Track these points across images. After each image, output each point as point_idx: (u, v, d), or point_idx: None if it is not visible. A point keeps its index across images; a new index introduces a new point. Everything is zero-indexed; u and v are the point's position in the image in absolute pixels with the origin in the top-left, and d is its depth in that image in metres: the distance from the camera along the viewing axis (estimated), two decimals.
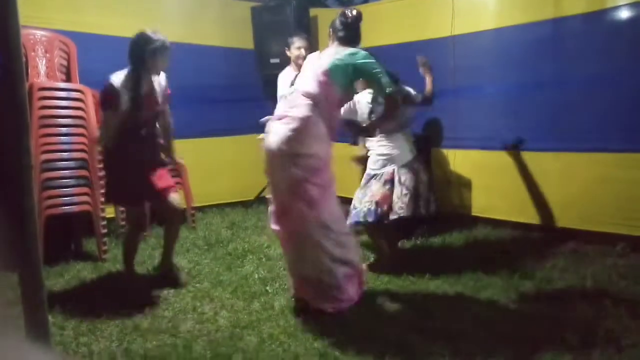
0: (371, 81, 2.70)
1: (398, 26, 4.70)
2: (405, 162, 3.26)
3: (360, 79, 2.81)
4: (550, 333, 2.33)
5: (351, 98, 2.64)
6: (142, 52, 2.82)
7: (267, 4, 5.07)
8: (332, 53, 2.59)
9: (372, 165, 3.33)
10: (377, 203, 3.19)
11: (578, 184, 3.70)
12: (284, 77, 4.04)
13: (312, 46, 4.03)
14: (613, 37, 3.48)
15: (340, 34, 2.66)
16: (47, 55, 3.74)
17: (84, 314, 2.61)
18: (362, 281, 2.73)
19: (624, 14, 3.45)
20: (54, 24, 3.94)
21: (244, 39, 5.13)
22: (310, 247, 2.50)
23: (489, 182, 4.21)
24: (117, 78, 2.83)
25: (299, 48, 3.93)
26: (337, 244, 2.53)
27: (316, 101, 2.49)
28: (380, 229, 3.28)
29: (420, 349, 2.21)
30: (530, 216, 3.97)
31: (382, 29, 4.76)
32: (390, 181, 3.23)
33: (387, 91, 2.53)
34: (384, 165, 3.27)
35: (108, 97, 2.83)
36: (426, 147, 4.36)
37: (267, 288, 2.98)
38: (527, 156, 3.96)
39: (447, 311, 2.62)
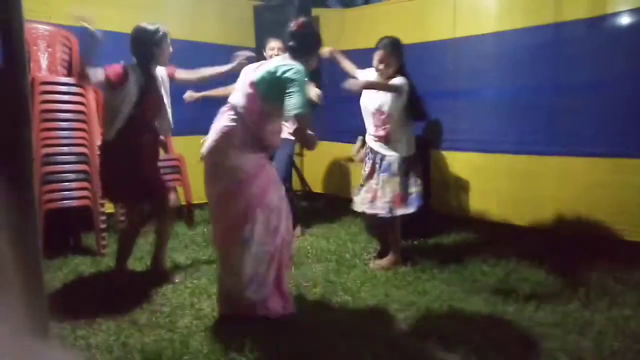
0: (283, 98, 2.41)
1: (399, 28, 4.70)
2: (413, 154, 3.32)
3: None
4: (545, 336, 2.35)
5: (282, 112, 2.41)
6: (148, 44, 2.84)
7: (269, 3, 5.08)
8: (271, 64, 2.47)
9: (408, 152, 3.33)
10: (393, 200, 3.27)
11: (574, 187, 3.72)
12: None
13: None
14: (612, 43, 3.50)
15: (288, 43, 2.55)
16: (49, 49, 3.75)
17: (82, 307, 2.63)
18: (286, 298, 2.59)
19: (624, 20, 3.47)
20: (57, 18, 3.94)
21: (246, 37, 5.14)
22: (231, 261, 2.46)
23: (487, 185, 4.23)
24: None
25: (272, 49, 3.87)
26: (258, 260, 2.43)
27: (241, 113, 2.43)
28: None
29: (412, 349, 2.23)
30: (527, 219, 3.99)
31: (383, 30, 4.75)
32: (407, 171, 3.29)
33: (291, 112, 2.34)
34: (402, 157, 3.28)
35: (117, 72, 2.78)
36: (426, 149, 4.38)
37: None
38: (525, 160, 3.98)
39: (441, 312, 2.64)
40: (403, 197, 3.25)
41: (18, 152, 1.73)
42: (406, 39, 4.60)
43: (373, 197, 3.31)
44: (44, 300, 1.78)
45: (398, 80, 3.18)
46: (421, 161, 4.16)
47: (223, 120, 2.47)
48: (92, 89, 3.63)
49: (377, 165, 3.32)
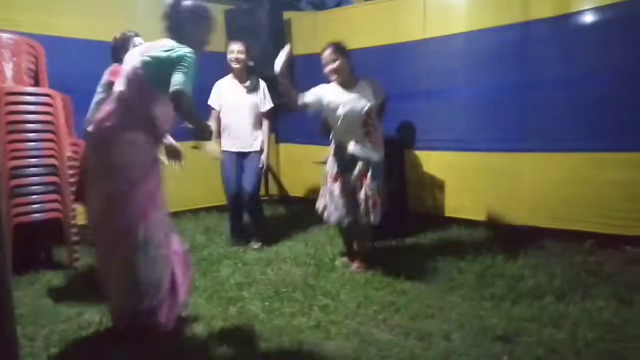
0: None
1: (370, 30, 4.75)
2: (374, 165, 3.21)
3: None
4: (522, 330, 2.39)
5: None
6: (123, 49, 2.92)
7: (240, 8, 5.06)
8: (156, 48, 2.31)
9: (347, 166, 3.26)
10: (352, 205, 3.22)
11: (548, 183, 3.80)
12: (218, 86, 4.04)
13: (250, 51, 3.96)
14: (581, 40, 3.59)
15: (163, 24, 2.40)
16: (14, 58, 3.64)
17: (55, 323, 2.56)
18: (177, 305, 2.45)
19: (589, 17, 3.57)
20: (21, 26, 3.85)
21: (216, 43, 5.08)
22: (123, 269, 2.27)
23: (462, 183, 4.28)
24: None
25: (231, 52, 3.86)
26: (155, 264, 2.29)
27: (129, 102, 2.27)
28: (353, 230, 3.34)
29: (390, 348, 2.24)
30: (502, 216, 4.06)
31: (354, 32, 4.78)
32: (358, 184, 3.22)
33: (173, 88, 2.16)
34: (382, 159, 3.25)
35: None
36: (400, 149, 4.42)
37: (244, 293, 2.97)
38: (499, 157, 4.05)
39: (420, 310, 2.66)
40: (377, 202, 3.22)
41: None
42: (378, 40, 4.68)
43: (356, 203, 3.23)
44: (13, 317, 1.73)
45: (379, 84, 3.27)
46: (396, 161, 4.20)
47: (109, 112, 2.28)
48: (59, 97, 3.55)
49: (358, 169, 3.22)
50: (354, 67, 3.26)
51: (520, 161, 3.94)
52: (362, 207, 3.20)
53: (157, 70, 2.24)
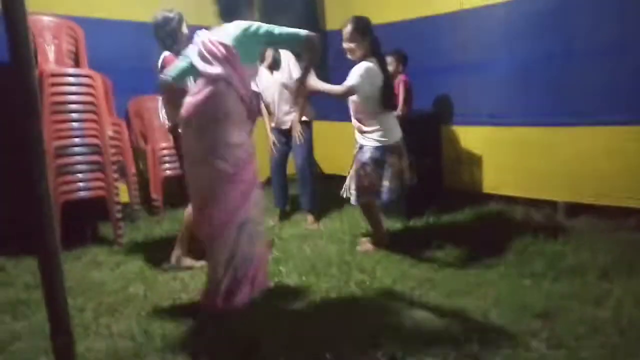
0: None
1: (404, 2, 4.63)
2: (395, 142, 3.15)
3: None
4: (562, 308, 2.35)
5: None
6: (170, 29, 3.01)
7: None
8: (232, 27, 2.33)
9: (375, 140, 3.15)
10: (368, 186, 3.16)
11: (589, 157, 3.66)
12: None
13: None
14: (621, 8, 3.39)
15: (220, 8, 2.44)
16: (55, 41, 3.75)
17: (103, 295, 2.68)
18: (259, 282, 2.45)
19: None
20: (61, 9, 3.93)
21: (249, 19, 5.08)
22: (221, 244, 2.32)
23: (500, 159, 4.18)
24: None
25: None
26: (250, 242, 2.35)
27: (232, 83, 2.29)
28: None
29: (426, 323, 2.24)
30: (542, 192, 3.94)
31: (387, 5, 4.69)
32: (381, 162, 3.12)
33: (301, 34, 2.28)
34: (382, 144, 3.12)
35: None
36: (436, 125, 4.34)
37: (281, 268, 3.02)
38: (538, 131, 3.92)
39: (458, 287, 2.64)
40: (370, 188, 3.14)
41: (30, 146, 1.75)
42: (412, 13, 4.56)
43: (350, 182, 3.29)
44: (63, 290, 1.81)
45: (354, 75, 2.99)
46: (431, 137, 4.11)
47: (207, 95, 2.27)
48: (100, 77, 3.64)
49: (355, 153, 3.26)
50: (376, 45, 3.10)
51: (559, 135, 3.80)
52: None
53: (247, 47, 2.29)
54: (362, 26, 3.05)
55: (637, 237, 3.22)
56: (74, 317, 2.26)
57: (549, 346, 2.04)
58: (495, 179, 4.24)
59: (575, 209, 3.72)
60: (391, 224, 3.79)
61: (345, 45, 3.09)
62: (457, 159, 4.43)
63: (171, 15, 3.03)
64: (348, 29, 3.05)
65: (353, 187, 3.24)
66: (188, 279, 2.92)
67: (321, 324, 2.30)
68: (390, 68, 3.98)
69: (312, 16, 4.97)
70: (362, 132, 3.18)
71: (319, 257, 3.20)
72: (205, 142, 2.26)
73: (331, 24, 5.32)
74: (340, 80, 3.06)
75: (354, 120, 3.23)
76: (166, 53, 3.01)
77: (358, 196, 3.22)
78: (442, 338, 2.12)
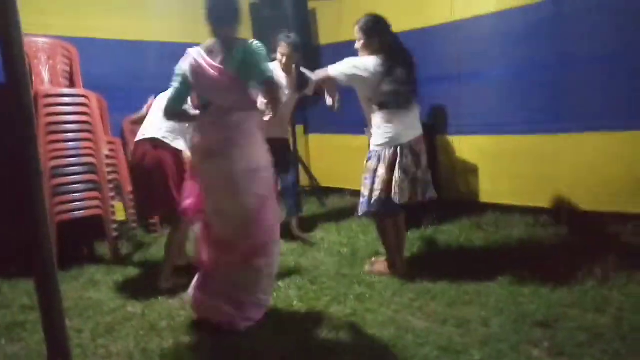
0: None
1: (397, 14, 4.65)
2: (407, 142, 2.92)
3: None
4: (563, 316, 2.34)
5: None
6: None
7: None
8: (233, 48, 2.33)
9: (377, 143, 2.98)
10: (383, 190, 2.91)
11: (586, 164, 3.67)
12: None
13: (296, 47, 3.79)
14: (616, 14, 3.44)
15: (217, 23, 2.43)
16: (50, 61, 3.77)
17: (101, 315, 2.66)
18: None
19: None
20: (55, 30, 3.96)
21: (243, 35, 5.11)
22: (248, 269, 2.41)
23: (496, 167, 4.19)
24: None
25: (282, 54, 3.76)
26: (274, 264, 2.50)
27: (247, 110, 2.36)
28: (390, 220, 3.08)
29: (427, 335, 2.23)
30: (540, 199, 3.95)
31: None
32: (392, 163, 2.91)
33: (268, 74, 2.31)
34: (387, 145, 2.93)
35: None
36: (431, 135, 4.35)
37: (279, 283, 3.00)
38: (533, 139, 3.94)
39: (457, 297, 2.64)
40: (381, 193, 2.92)
41: (26, 166, 1.75)
42: (405, 25, 4.59)
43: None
44: (61, 311, 1.80)
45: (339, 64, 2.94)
46: (426, 147, 4.11)
47: (223, 127, 2.31)
48: (95, 97, 3.65)
49: (376, 153, 3.00)
50: (384, 46, 2.98)
51: (555, 142, 3.81)
52: None
53: (248, 66, 2.29)
54: (368, 26, 2.99)
55: (636, 242, 3.22)
56: (71, 338, 2.25)
57: (550, 354, 2.03)
58: (492, 188, 4.25)
59: (572, 215, 3.72)
60: None
61: (356, 44, 3.03)
62: (453, 169, 4.44)
63: None
64: (356, 28, 3.01)
65: (364, 194, 2.99)
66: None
67: (322, 337, 2.29)
68: None
69: (305, 31, 5.00)
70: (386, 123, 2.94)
71: (317, 270, 3.19)
72: (236, 170, 2.28)
73: (324, 38, 5.36)
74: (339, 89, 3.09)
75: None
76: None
77: (369, 204, 2.94)
78: (444, 349, 2.10)
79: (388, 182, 2.89)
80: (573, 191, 3.76)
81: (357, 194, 4.96)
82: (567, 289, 2.62)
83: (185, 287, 2.71)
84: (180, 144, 3.00)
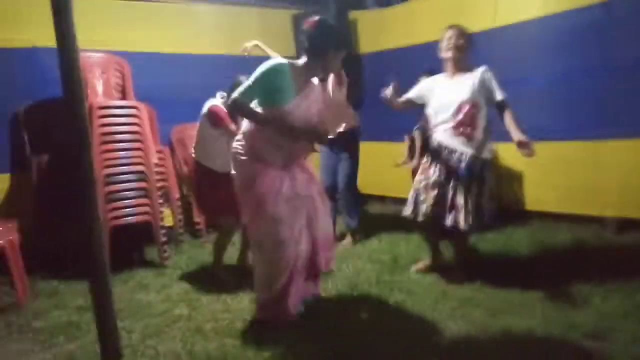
0: None
1: (438, 22, 4.62)
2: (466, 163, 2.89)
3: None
4: (614, 327, 2.25)
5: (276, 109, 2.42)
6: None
7: (307, 11, 5.14)
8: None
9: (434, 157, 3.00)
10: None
11: (633, 171, 3.52)
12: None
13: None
14: None
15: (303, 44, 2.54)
16: (104, 75, 3.98)
17: (150, 317, 2.76)
18: (286, 307, 2.54)
19: None
20: (108, 45, 4.17)
21: (286, 48, 5.22)
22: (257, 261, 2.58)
23: (542, 175, 4.08)
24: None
25: None
26: (265, 266, 2.52)
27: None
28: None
29: (470, 342, 2.19)
30: (588, 207, 3.81)
31: (421, 27, 4.72)
32: (444, 180, 2.92)
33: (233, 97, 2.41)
34: (443, 160, 2.93)
35: None
36: None
37: (321, 291, 3.03)
38: (578, 145, 3.82)
39: (500, 306, 2.58)
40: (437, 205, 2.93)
41: (82, 175, 1.86)
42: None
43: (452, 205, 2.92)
44: (112, 312, 1.89)
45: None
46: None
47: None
48: (145, 108, 3.82)
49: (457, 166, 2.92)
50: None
51: (600, 149, 3.69)
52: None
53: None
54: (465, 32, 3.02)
55: None
56: (122, 338, 2.35)
57: None
58: (537, 196, 4.13)
59: (622, 224, 3.57)
60: None
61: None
62: (497, 177, 4.34)
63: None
64: (455, 33, 3.01)
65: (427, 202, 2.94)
66: (230, 300, 2.97)
67: (363, 342, 2.29)
68: None
69: (347, 40, 5.06)
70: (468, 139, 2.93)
71: (358, 277, 3.20)
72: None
73: (364, 47, 5.40)
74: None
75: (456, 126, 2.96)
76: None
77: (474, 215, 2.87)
78: (488, 357, 2.07)
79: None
80: (621, 199, 3.61)
81: (398, 201, 4.94)
82: (618, 300, 2.52)
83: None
84: None
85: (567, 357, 2.05)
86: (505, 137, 4.22)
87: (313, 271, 2.72)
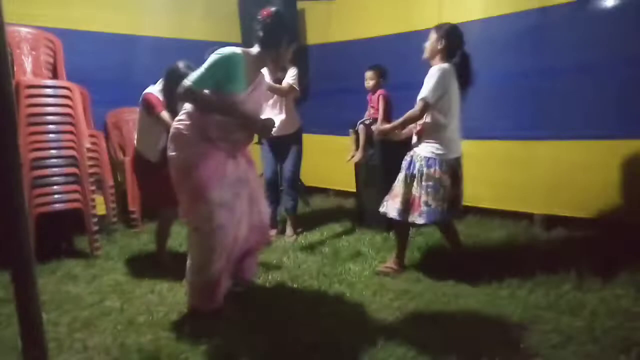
0: None
1: (386, 18, 4.71)
2: (448, 161, 2.98)
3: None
4: (538, 318, 2.39)
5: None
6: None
7: None
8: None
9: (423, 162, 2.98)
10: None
11: (564, 171, 3.75)
12: None
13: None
14: (597, 26, 3.52)
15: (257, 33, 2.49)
16: (33, 52, 3.71)
17: (78, 310, 2.63)
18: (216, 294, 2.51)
19: (608, 2, 3.49)
20: (39, 20, 3.91)
21: (231, 33, 5.11)
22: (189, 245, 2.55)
23: (477, 172, 4.24)
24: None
25: None
26: (201, 249, 2.46)
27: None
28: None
29: (406, 334, 2.25)
30: (519, 204, 4.02)
31: (368, 21, 4.77)
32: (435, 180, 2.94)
33: (185, 82, 2.32)
34: (429, 164, 2.95)
35: None
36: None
37: (260, 281, 3.00)
38: (514, 144, 4.01)
39: (435, 298, 2.67)
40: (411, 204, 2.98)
41: (6, 158, 1.73)
42: (392, 29, 4.64)
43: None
44: (37, 304, 1.78)
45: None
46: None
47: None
48: (77, 89, 3.61)
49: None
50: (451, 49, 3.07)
51: (535, 149, 3.90)
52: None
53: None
54: (442, 27, 3.11)
55: (611, 248, 3.29)
56: (47, 331, 2.21)
57: (525, 355, 2.07)
58: (473, 192, 4.29)
59: (550, 221, 3.80)
60: (370, 236, 3.82)
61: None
62: None
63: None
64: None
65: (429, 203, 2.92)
66: (166, 291, 2.88)
67: (298, 336, 2.29)
68: (371, 83, 4.04)
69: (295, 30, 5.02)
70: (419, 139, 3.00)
71: (299, 269, 3.20)
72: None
73: (311, 38, 5.38)
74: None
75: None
76: None
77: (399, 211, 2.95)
78: (421, 349, 2.13)
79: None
80: (550, 197, 3.83)
81: (341, 193, 5.01)
82: (543, 292, 2.67)
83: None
84: None
85: (494, 345, 2.14)
86: None
87: (247, 255, 2.73)
